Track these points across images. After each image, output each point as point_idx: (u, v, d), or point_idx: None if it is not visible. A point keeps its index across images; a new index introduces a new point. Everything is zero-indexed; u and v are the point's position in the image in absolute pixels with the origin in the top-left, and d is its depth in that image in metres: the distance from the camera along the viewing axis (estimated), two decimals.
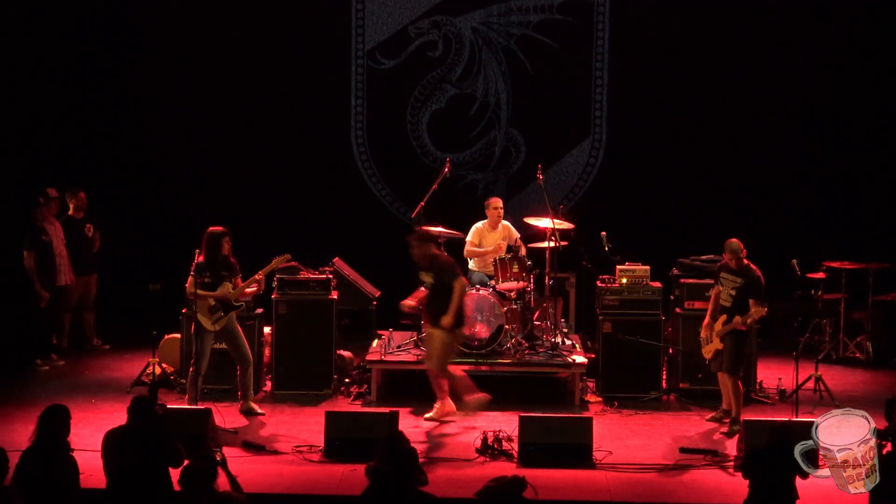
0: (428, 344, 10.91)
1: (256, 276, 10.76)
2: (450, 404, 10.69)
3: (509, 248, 12.27)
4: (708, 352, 10.63)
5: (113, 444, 7.67)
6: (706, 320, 10.69)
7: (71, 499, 7.38)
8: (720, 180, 14.62)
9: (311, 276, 11.80)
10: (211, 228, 10.70)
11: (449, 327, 10.61)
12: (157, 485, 7.50)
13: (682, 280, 11.83)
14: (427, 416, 10.70)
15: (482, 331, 11.58)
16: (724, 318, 10.42)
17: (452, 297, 10.59)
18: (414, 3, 14.80)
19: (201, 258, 10.65)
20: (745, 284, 10.36)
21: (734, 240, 10.54)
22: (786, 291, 12.36)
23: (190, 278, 10.64)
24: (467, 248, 12.37)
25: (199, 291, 10.53)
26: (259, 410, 10.81)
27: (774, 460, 7.63)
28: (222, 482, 7.39)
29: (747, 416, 10.28)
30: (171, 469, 7.64)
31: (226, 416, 10.40)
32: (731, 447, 9.83)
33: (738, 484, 8.06)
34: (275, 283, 11.72)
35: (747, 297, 10.32)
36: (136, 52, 14.61)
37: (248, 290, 10.74)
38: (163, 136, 14.73)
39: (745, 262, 10.47)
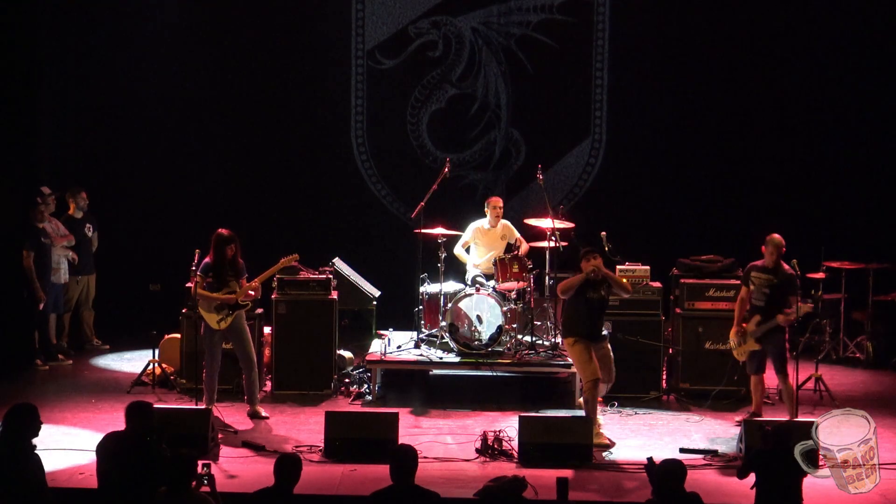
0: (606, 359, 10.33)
1: (254, 283, 10.68)
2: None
3: (508, 247, 12.27)
4: (741, 354, 10.42)
5: (108, 447, 7.62)
6: (736, 324, 10.45)
7: (38, 498, 7.33)
8: (720, 180, 14.63)
9: (311, 276, 11.80)
10: (219, 231, 10.63)
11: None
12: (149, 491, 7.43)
13: (682, 280, 11.82)
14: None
15: (482, 331, 11.58)
16: (758, 318, 10.25)
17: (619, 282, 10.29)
18: (414, 3, 14.80)
19: (208, 259, 10.62)
20: (781, 283, 10.23)
21: (777, 235, 10.40)
22: None
23: (195, 278, 10.62)
24: (457, 247, 12.35)
25: (202, 292, 10.52)
26: (264, 414, 10.78)
27: (777, 461, 7.61)
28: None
29: (746, 416, 10.29)
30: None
31: (226, 415, 10.41)
32: (731, 447, 9.83)
33: (739, 484, 8.06)
34: (275, 284, 11.72)
35: (783, 296, 10.19)
36: (136, 51, 14.62)
37: (250, 292, 10.69)
38: (163, 135, 14.74)
39: (780, 260, 10.37)
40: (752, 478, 7.71)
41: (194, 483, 7.06)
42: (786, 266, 10.39)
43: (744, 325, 10.40)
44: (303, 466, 7.09)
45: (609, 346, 10.38)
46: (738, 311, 10.53)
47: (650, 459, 7.45)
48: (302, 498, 8.56)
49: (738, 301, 10.59)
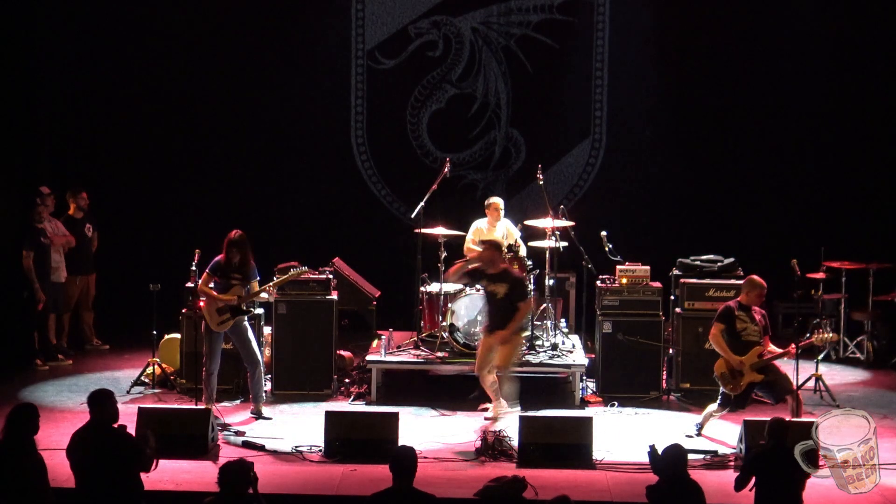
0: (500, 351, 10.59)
1: (267, 287, 10.71)
2: (503, 403, 10.63)
3: (509, 248, 12.25)
4: (740, 386, 10.05)
5: (77, 442, 7.62)
6: (731, 359, 9.95)
7: (40, 498, 7.32)
8: (720, 180, 14.63)
9: (311, 276, 11.78)
10: (232, 233, 10.61)
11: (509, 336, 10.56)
12: (124, 483, 7.42)
13: (682, 280, 11.82)
14: (487, 415, 10.70)
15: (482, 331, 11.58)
16: (757, 349, 9.97)
17: (517, 315, 10.48)
18: (414, 3, 14.81)
19: (219, 258, 10.61)
20: (766, 319, 10.19)
21: (757, 277, 10.17)
22: (786, 291, 12.38)
23: (204, 275, 10.60)
24: (467, 245, 12.37)
25: (206, 289, 10.51)
26: (268, 415, 10.78)
27: (775, 460, 7.60)
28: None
29: (747, 416, 10.27)
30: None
31: (226, 415, 10.41)
32: (731, 447, 9.82)
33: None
34: None
35: (767, 330, 10.14)
36: (135, 51, 14.62)
37: (263, 295, 10.67)
38: (163, 135, 14.73)
39: None
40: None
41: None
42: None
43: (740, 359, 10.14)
44: (253, 466, 6.96)
45: (510, 337, 10.51)
46: (726, 347, 10.03)
47: (653, 447, 7.48)
48: (302, 498, 8.61)
49: (720, 339, 10.04)
